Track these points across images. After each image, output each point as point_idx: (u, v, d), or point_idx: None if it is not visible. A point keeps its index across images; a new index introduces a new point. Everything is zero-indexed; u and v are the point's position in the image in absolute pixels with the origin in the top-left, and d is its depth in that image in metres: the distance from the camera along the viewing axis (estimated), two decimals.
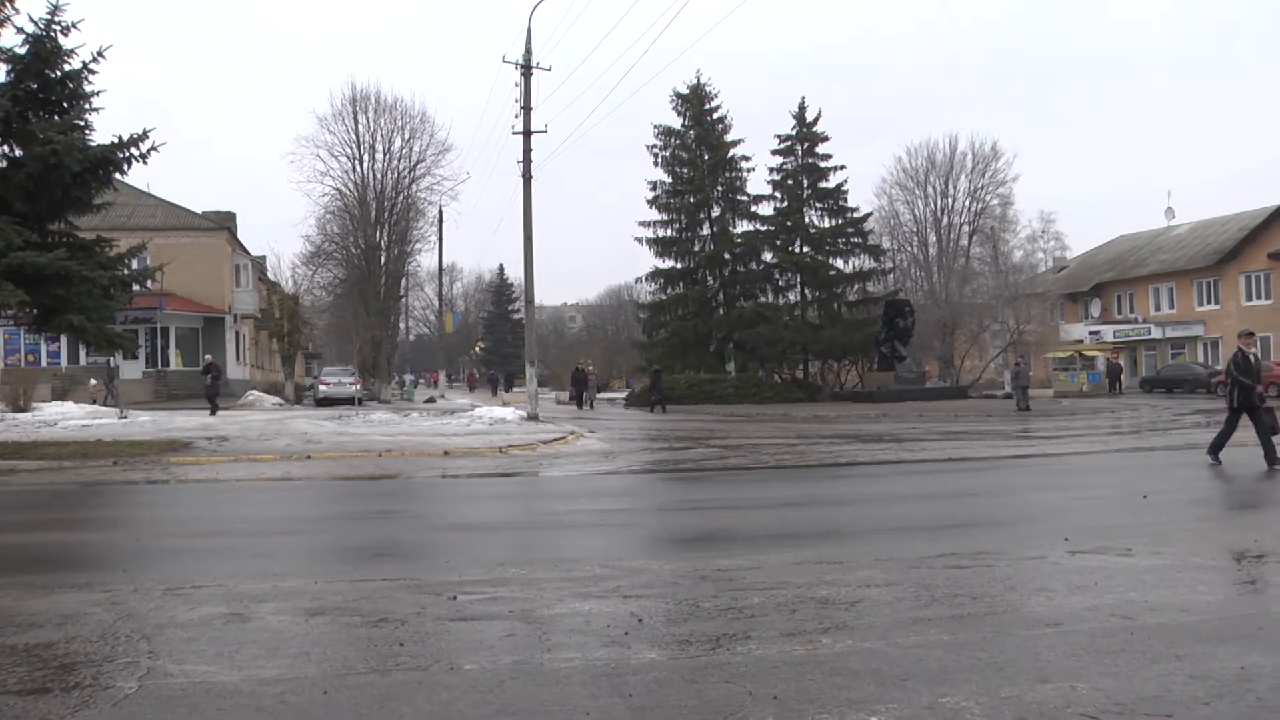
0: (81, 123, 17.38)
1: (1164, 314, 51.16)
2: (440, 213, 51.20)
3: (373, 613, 5.51)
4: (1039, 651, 4.66)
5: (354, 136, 47.84)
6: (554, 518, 10.36)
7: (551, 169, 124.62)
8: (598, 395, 44.33)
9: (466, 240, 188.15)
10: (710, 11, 33.84)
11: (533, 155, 27.59)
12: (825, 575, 6.46)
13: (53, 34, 16.88)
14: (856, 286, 46.47)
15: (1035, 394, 37.07)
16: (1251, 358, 13.24)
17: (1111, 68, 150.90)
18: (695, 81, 45.29)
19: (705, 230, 45.23)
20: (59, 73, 17.22)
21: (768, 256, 45.69)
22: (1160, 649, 4.68)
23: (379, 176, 48.33)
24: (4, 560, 7.51)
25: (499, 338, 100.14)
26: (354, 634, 5.12)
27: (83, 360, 37.09)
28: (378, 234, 48.72)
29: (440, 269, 57.04)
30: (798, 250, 44.82)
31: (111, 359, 30.48)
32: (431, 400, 45.43)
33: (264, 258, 53.12)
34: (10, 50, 16.78)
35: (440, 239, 52.18)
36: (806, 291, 45.43)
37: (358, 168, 48.04)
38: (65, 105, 17.48)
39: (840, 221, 45.40)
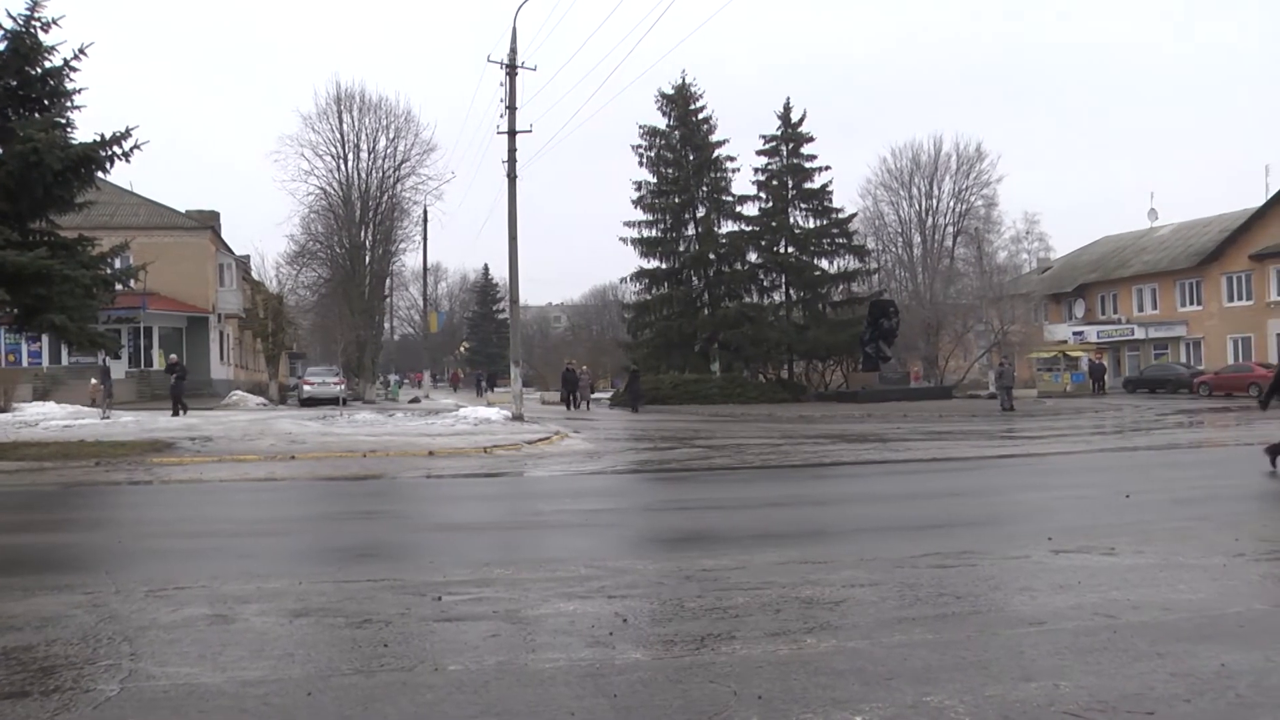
0: (63, 120, 17.26)
1: (1147, 314, 51.46)
2: (425, 212, 51.18)
3: (357, 614, 5.49)
4: (1023, 650, 4.68)
5: (338, 135, 47.79)
6: (539, 518, 10.35)
7: (536, 169, 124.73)
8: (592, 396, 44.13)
9: (451, 240, 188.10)
10: (695, 12, 33.89)
11: (518, 155, 27.55)
12: (810, 575, 6.47)
13: (32, 30, 16.75)
14: (841, 287, 46.54)
15: (1019, 394, 37.23)
16: None
17: (1095, 69, 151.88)
18: (680, 82, 45.27)
19: (690, 230, 45.21)
20: (39, 70, 17.10)
21: (753, 257, 45.71)
22: (1142, 647, 4.71)
23: (363, 176, 48.29)
24: None
25: (484, 338, 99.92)
26: (338, 635, 5.10)
27: (65, 360, 36.81)
28: (362, 233, 48.58)
29: (425, 269, 56.98)
30: (783, 250, 44.87)
31: (105, 359, 30.27)
32: (416, 400, 45.27)
33: (248, 257, 52.83)
34: None
35: (425, 238, 52.13)
36: (791, 292, 45.49)
37: (342, 167, 47.98)
38: (46, 103, 17.35)
39: (825, 222, 45.48)
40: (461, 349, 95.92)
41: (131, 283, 22.01)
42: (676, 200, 44.58)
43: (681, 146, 45.03)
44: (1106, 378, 46.24)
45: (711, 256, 44.91)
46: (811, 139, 45.13)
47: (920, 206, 50.05)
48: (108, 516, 10.90)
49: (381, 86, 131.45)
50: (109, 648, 4.81)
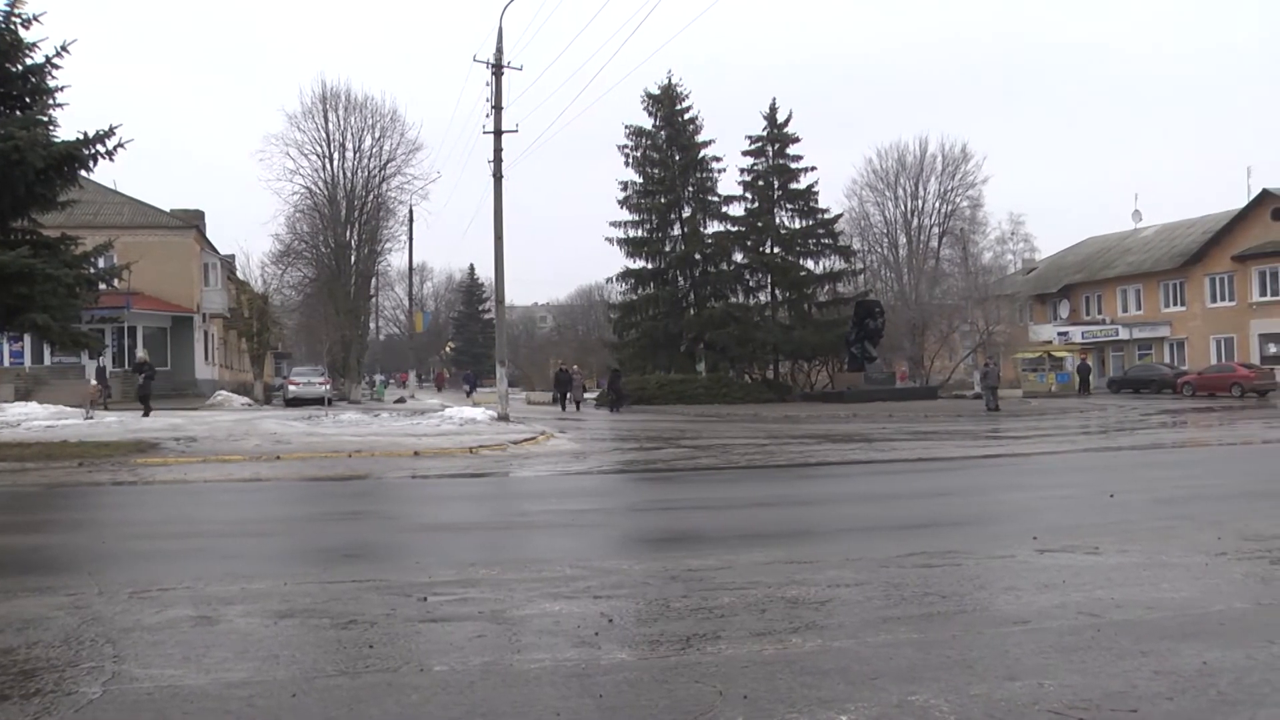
0: (45, 118, 17.12)
1: (1131, 315, 51.76)
2: (411, 212, 51.04)
3: (342, 614, 5.47)
4: (1007, 649, 4.70)
5: (324, 135, 47.61)
6: (524, 518, 10.34)
7: (523, 169, 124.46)
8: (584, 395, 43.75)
9: (437, 240, 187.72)
10: (682, 13, 33.92)
11: (504, 155, 27.57)
12: (795, 575, 6.48)
13: (12, 26, 16.62)
14: (827, 287, 46.61)
15: (1004, 394, 37.41)
16: None
17: (1081, 71, 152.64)
18: (666, 82, 45.29)
19: (676, 231, 45.22)
20: (20, 67, 16.97)
21: (738, 257, 45.78)
22: (1126, 646, 4.74)
23: (349, 175, 48.13)
24: None
25: (469, 338, 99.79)
26: (323, 636, 5.08)
27: (47, 360, 36.53)
28: (348, 233, 48.42)
29: (410, 268, 56.76)
30: (768, 251, 44.92)
31: (100, 359, 30.09)
32: (401, 400, 45.14)
33: (233, 257, 52.57)
34: None
35: (410, 238, 51.98)
36: (777, 292, 45.54)
37: (328, 166, 47.81)
38: (28, 100, 17.22)
39: (811, 222, 45.57)
40: (447, 349, 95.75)
41: (115, 282, 21.85)
42: (662, 200, 44.60)
43: (667, 147, 45.04)
44: (1091, 378, 46.52)
45: (697, 257, 44.94)
46: (797, 139, 45.28)
47: (906, 207, 50.33)
48: (91, 517, 10.81)
49: (368, 85, 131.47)
50: (92, 650, 4.77)
